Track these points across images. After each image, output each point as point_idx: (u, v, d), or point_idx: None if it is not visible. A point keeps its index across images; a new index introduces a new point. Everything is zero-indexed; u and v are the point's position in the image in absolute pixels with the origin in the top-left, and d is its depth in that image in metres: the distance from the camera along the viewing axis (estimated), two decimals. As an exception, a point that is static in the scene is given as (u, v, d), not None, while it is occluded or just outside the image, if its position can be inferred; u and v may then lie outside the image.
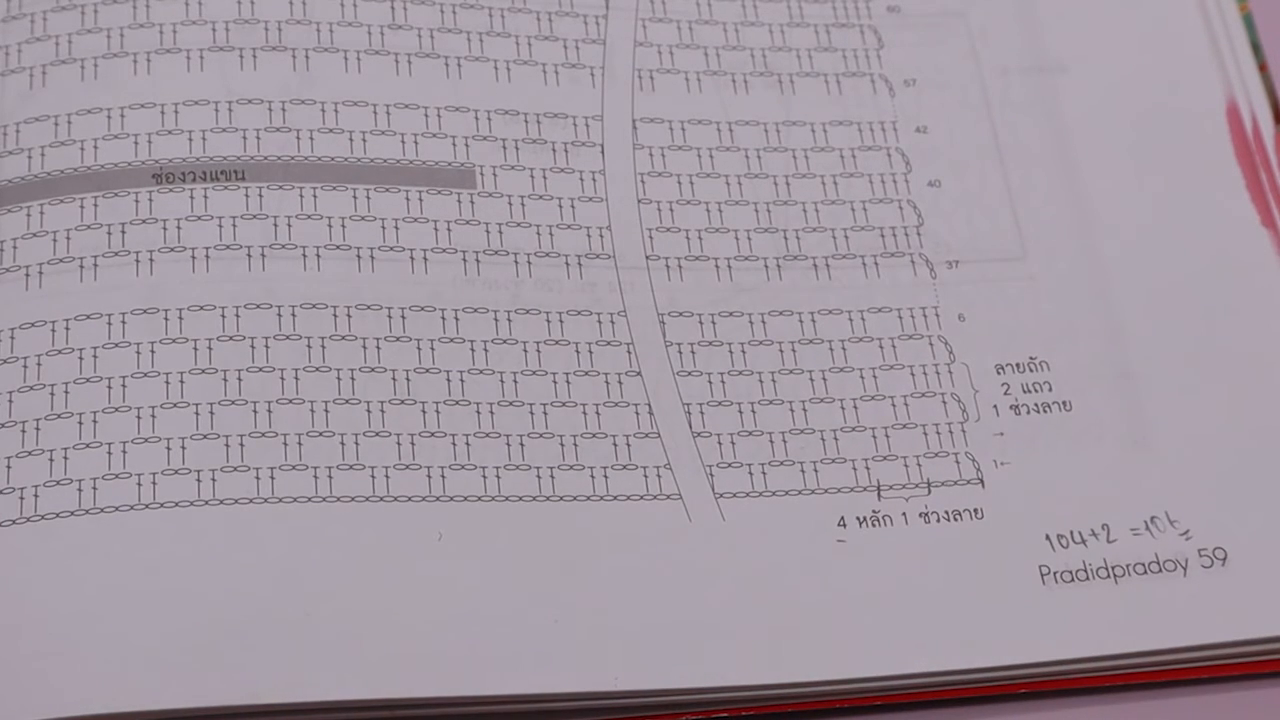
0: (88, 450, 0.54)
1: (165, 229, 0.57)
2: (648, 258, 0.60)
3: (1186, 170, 0.63)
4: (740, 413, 0.58)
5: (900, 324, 0.60)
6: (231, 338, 0.56)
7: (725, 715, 0.55)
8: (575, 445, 0.57)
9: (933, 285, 0.61)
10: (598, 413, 0.57)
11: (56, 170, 0.58)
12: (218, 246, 0.57)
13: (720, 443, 0.57)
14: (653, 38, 0.63)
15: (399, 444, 0.56)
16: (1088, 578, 0.57)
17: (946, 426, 0.59)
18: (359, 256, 0.58)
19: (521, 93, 0.61)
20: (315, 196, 0.58)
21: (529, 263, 0.59)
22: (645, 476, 0.57)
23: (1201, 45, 0.65)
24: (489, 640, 0.54)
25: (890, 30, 0.64)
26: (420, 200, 0.59)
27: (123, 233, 0.57)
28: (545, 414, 0.57)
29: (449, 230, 0.59)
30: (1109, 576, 0.57)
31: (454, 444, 0.56)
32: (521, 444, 0.56)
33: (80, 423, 0.55)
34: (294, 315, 0.57)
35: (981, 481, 0.58)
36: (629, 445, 0.57)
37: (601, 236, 0.60)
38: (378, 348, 0.57)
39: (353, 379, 0.56)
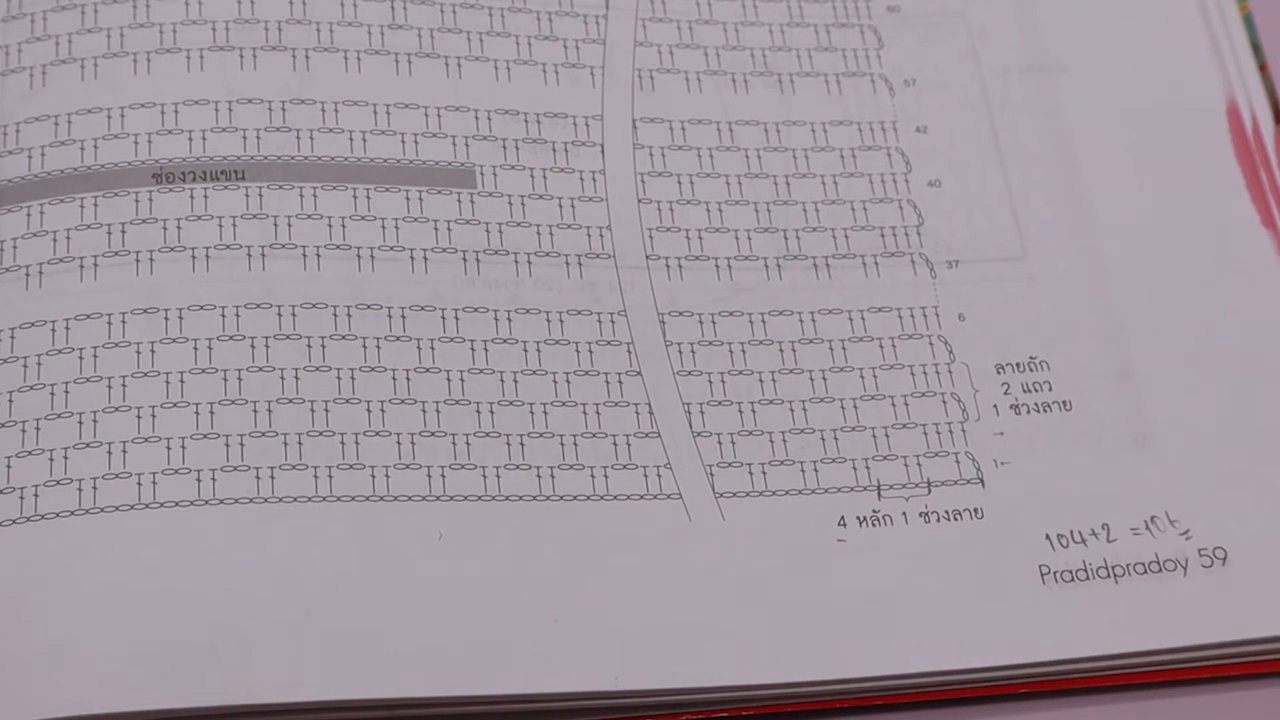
0: (88, 450, 0.54)
1: (165, 229, 0.57)
2: (648, 257, 0.60)
3: (1186, 170, 0.63)
4: (740, 412, 0.58)
5: (900, 324, 0.60)
6: (231, 337, 0.56)
7: (725, 715, 0.55)
8: (575, 445, 0.57)
9: (933, 285, 0.61)
10: (598, 412, 0.57)
11: (56, 170, 0.58)
12: (218, 246, 0.57)
13: (720, 442, 0.57)
14: (653, 37, 0.63)
15: (399, 444, 0.56)
16: (1088, 577, 0.57)
17: (946, 426, 0.59)
18: (359, 256, 0.58)
19: (521, 93, 0.61)
20: (315, 196, 0.58)
21: (529, 262, 0.59)
22: (645, 476, 0.57)
23: (1201, 45, 0.65)
24: (489, 640, 0.54)
25: (890, 30, 0.64)
26: (420, 200, 0.59)
27: (123, 233, 0.57)
28: (545, 414, 0.57)
29: (449, 230, 0.59)
30: (1109, 576, 0.57)
31: (454, 444, 0.56)
32: (522, 444, 0.56)
33: (80, 422, 0.55)
34: (294, 315, 0.57)
35: (981, 481, 0.58)
36: (629, 445, 0.57)
37: (601, 236, 0.60)
38: (378, 347, 0.57)
39: (353, 379, 0.56)
